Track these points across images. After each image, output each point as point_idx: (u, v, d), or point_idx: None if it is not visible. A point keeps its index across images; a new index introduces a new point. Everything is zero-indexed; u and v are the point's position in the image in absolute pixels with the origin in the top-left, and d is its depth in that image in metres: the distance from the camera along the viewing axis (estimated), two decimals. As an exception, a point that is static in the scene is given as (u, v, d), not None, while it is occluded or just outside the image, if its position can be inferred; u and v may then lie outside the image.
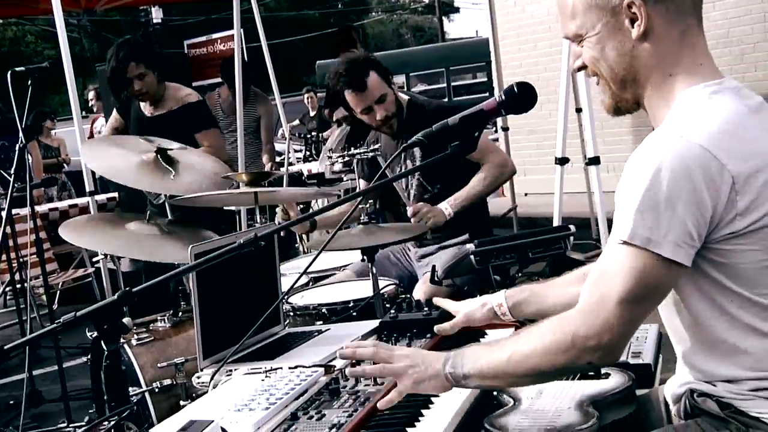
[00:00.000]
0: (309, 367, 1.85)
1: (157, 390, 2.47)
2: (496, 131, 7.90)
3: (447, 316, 2.15)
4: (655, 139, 1.39)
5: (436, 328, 1.92)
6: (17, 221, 4.34)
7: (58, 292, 6.42)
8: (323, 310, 2.68)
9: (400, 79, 16.07)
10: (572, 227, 2.66)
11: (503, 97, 1.74)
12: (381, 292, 2.67)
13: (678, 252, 1.34)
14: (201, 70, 10.00)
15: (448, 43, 24.27)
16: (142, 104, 4.25)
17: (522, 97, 1.73)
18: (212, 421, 1.47)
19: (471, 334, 2.02)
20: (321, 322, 2.61)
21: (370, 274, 2.67)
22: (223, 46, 10.09)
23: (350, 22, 17.71)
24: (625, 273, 1.36)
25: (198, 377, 2.00)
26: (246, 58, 7.10)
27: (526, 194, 9.33)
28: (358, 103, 3.25)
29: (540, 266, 2.94)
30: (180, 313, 2.76)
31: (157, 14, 13.18)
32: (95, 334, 1.48)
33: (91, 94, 10.13)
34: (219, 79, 7.55)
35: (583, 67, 1.56)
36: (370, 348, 1.63)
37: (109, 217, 3.11)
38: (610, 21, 1.47)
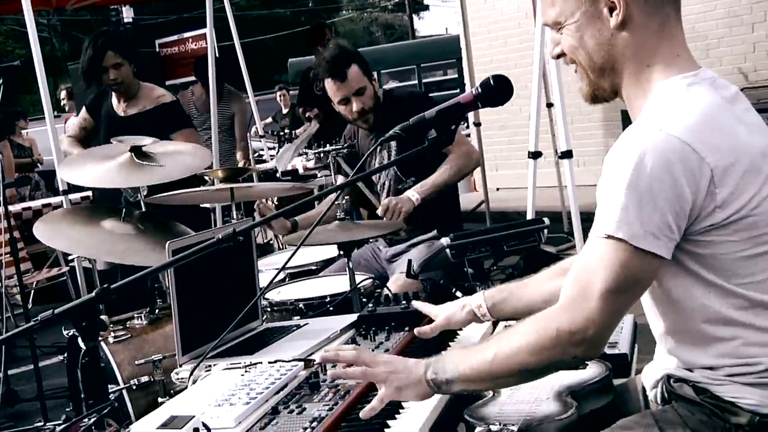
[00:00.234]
0: (288, 361, 1.85)
1: (134, 387, 2.45)
2: (468, 127, 7.93)
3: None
4: (635, 132, 1.40)
5: (416, 331, 1.93)
6: (-10, 221, 4.30)
7: (33, 291, 6.38)
8: (300, 306, 2.67)
9: (371, 76, 16.10)
10: (546, 220, 2.68)
11: (480, 90, 1.76)
12: (358, 286, 2.67)
13: (659, 245, 1.36)
14: (173, 69, 9.95)
15: (419, 41, 24.26)
16: (114, 103, 4.20)
17: (498, 90, 1.75)
18: (193, 416, 1.47)
19: (446, 331, 2.03)
20: (298, 318, 2.60)
21: (347, 269, 2.67)
22: (195, 45, 10.04)
23: (321, 20, 17.68)
24: (606, 266, 1.38)
25: (177, 373, 1.99)
26: (218, 56, 7.08)
27: (497, 189, 9.38)
28: (336, 92, 3.26)
29: (514, 259, 2.97)
30: (157, 310, 2.74)
31: (128, 13, 13.02)
32: (72, 331, 1.47)
33: (63, 94, 10.04)
34: (191, 78, 7.52)
35: (562, 55, 1.57)
36: (351, 352, 1.63)
37: (85, 213, 3.05)
38: (589, 9, 1.48)
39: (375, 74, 3.42)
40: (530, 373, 1.50)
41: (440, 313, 1.99)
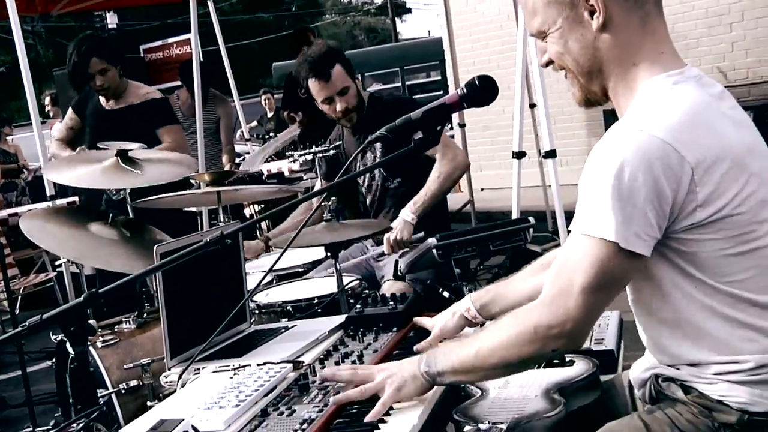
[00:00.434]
0: (277, 363, 1.85)
1: (123, 391, 2.44)
2: (452, 128, 7.97)
3: (413, 310, 2.18)
4: (617, 132, 1.41)
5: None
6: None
7: (20, 297, 6.36)
8: (288, 308, 2.67)
9: (354, 79, 16.16)
10: (531, 219, 2.70)
11: (465, 90, 1.76)
12: (345, 288, 2.68)
13: (639, 243, 1.37)
14: (158, 74, 9.94)
15: (402, 43, 24.27)
16: (102, 100, 4.20)
17: (484, 90, 1.75)
18: (183, 420, 1.47)
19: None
20: (286, 319, 2.60)
21: (335, 270, 2.68)
22: (179, 50, 10.03)
23: (305, 24, 17.74)
24: (587, 264, 1.39)
25: (166, 376, 1.98)
26: (202, 61, 7.09)
27: (482, 189, 9.42)
28: (320, 92, 3.27)
29: (500, 259, 2.98)
30: (145, 314, 2.74)
31: (112, 19, 12.96)
32: (60, 337, 1.47)
33: (47, 100, 10.00)
34: (176, 83, 7.52)
35: (551, 62, 1.58)
36: (348, 371, 1.65)
37: (72, 214, 3.05)
38: (570, 15, 1.49)
39: (359, 77, 3.43)
40: (512, 366, 1.53)
41: (435, 324, 2.01)
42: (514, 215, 4.60)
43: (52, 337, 2.20)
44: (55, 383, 2.35)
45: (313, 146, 3.14)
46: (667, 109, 1.39)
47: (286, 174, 6.09)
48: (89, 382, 1.52)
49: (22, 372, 3.56)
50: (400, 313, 2.12)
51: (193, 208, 4.72)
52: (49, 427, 3.12)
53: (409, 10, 43.94)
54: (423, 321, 2.08)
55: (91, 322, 1.50)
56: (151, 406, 2.16)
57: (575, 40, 1.50)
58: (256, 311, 2.70)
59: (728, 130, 1.42)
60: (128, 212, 3.17)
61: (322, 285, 2.89)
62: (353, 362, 1.85)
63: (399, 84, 17.52)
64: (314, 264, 3.34)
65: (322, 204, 2.83)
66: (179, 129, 4.30)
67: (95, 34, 4.26)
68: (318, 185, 3.72)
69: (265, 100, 11.68)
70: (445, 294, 2.55)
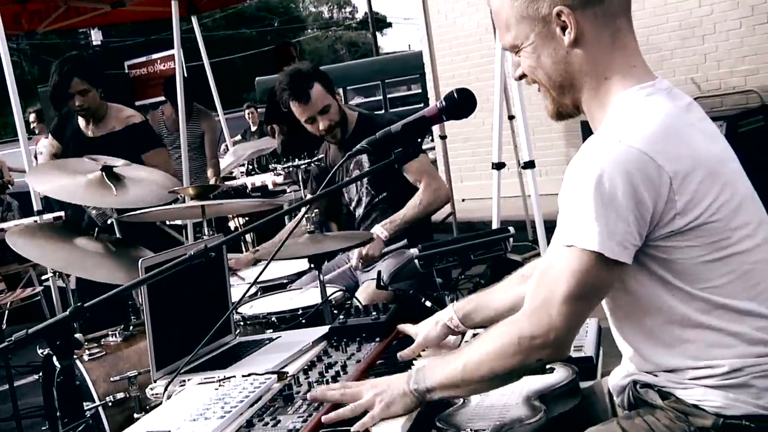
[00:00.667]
0: (262, 374, 1.86)
1: (110, 404, 2.45)
2: (433, 140, 8.01)
3: (395, 319, 2.20)
4: (595, 144, 1.43)
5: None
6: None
7: (7, 311, 6.33)
8: (273, 319, 2.69)
9: (336, 93, 16.22)
10: (511, 229, 2.73)
11: (444, 103, 1.80)
12: (329, 298, 2.70)
13: (620, 252, 1.39)
14: (142, 90, 9.99)
15: (383, 57, 24.38)
16: (82, 123, 4.17)
17: (462, 103, 1.79)
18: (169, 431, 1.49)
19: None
20: (271, 331, 2.62)
21: (318, 282, 2.70)
22: (163, 66, 10.08)
23: (287, 39, 17.82)
24: (568, 274, 1.41)
25: (152, 389, 1.99)
26: (186, 76, 7.12)
27: (463, 200, 9.48)
28: (302, 113, 3.32)
29: (481, 268, 3.01)
30: (131, 327, 2.74)
31: (96, 36, 12.97)
32: (47, 351, 1.48)
33: (32, 117, 9.96)
34: (160, 98, 7.54)
35: (524, 76, 1.60)
36: (338, 391, 1.66)
37: (58, 230, 3.07)
38: (542, 30, 1.51)
39: (341, 90, 3.47)
40: (499, 378, 1.54)
41: (419, 332, 2.02)
42: (495, 225, 4.63)
43: (39, 351, 2.20)
44: (42, 397, 2.35)
45: (296, 159, 3.17)
46: (642, 121, 1.42)
47: (270, 187, 6.12)
48: (75, 395, 1.52)
49: (9, 386, 3.56)
50: (383, 323, 2.14)
51: (179, 222, 4.73)
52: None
53: (389, 25, 44.33)
54: (406, 328, 2.10)
55: (77, 335, 1.51)
56: (138, 419, 2.16)
57: (547, 55, 1.53)
58: (241, 323, 2.72)
59: (699, 141, 1.45)
60: (113, 228, 3.17)
61: (306, 296, 2.91)
62: (337, 372, 1.86)
63: (380, 97, 17.59)
64: (298, 276, 3.36)
65: (306, 216, 2.85)
66: (164, 150, 4.29)
67: (79, 54, 4.20)
68: (303, 197, 3.76)
69: (248, 114, 11.70)
70: (428, 303, 2.58)
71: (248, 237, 4.68)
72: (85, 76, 3.99)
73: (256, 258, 3.42)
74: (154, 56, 10.55)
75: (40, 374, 2.31)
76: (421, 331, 2.03)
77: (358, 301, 2.76)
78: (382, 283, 2.74)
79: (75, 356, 2.41)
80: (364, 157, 3.26)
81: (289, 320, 2.65)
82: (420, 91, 16.10)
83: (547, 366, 1.80)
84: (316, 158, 3.36)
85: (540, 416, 1.59)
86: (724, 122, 5.94)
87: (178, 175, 5.86)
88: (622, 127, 1.42)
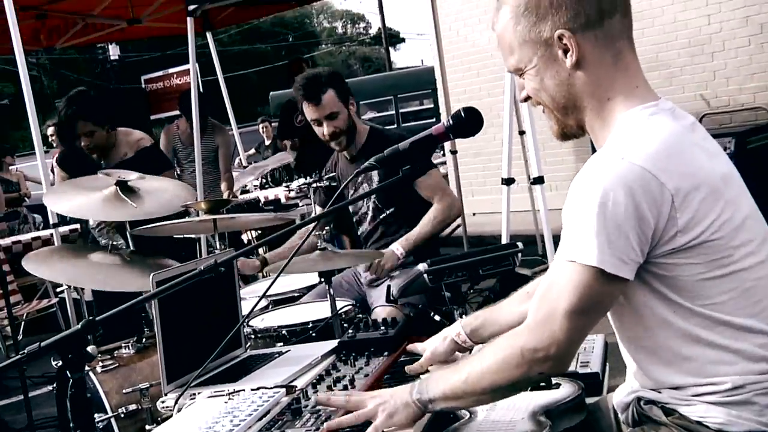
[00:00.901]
0: (271, 388, 1.88)
1: (122, 415, 2.47)
2: (444, 155, 8.04)
3: (404, 335, 2.22)
4: (599, 161, 1.45)
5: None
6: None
7: (23, 323, 6.42)
8: (283, 332, 2.71)
9: (349, 108, 16.23)
10: (520, 244, 2.74)
11: (451, 122, 1.82)
12: (338, 312, 2.72)
13: (622, 268, 1.41)
14: (158, 104, 10.10)
15: (395, 72, 24.43)
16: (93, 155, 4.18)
17: (468, 122, 1.81)
18: (179, 443, 1.51)
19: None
20: (281, 344, 2.64)
21: (328, 296, 2.72)
22: (179, 80, 10.20)
23: (301, 55, 17.93)
24: (571, 289, 1.43)
25: (162, 401, 2.01)
26: (201, 91, 7.20)
27: (474, 214, 9.50)
28: (310, 114, 3.39)
29: (490, 282, 3.03)
30: (144, 339, 2.77)
31: (114, 51, 13.13)
32: (60, 362, 1.51)
33: (50, 130, 10.09)
34: (176, 112, 7.62)
35: (528, 98, 1.63)
36: (342, 397, 1.68)
37: (72, 248, 3.11)
38: (544, 54, 1.54)
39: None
40: (501, 390, 1.55)
41: (426, 348, 2.04)
42: (504, 240, 4.65)
43: (53, 363, 2.22)
44: (56, 408, 2.37)
45: (308, 177, 3.21)
46: (645, 139, 1.44)
47: (283, 201, 6.17)
48: (87, 407, 1.55)
49: (24, 397, 3.60)
50: (391, 338, 2.16)
51: (191, 235, 4.78)
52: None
53: (402, 40, 44.59)
54: (416, 347, 2.11)
55: (90, 348, 1.53)
56: (150, 431, 2.18)
57: (550, 77, 1.55)
58: (252, 336, 2.74)
59: (702, 160, 1.47)
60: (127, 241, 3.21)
61: (316, 310, 2.93)
62: (345, 386, 1.88)
63: (393, 112, 17.67)
64: (309, 289, 3.39)
65: (315, 233, 2.88)
66: (172, 172, 4.35)
67: (85, 93, 4.12)
68: (315, 214, 3.79)
69: (262, 128, 11.81)
70: (437, 318, 2.59)
71: (260, 250, 4.72)
72: (91, 118, 3.97)
73: (262, 263, 3.44)
74: (171, 71, 10.69)
75: (54, 385, 2.33)
76: (429, 346, 2.04)
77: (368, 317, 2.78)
78: (392, 298, 2.76)
79: (88, 368, 2.45)
80: (375, 173, 3.29)
81: (300, 333, 2.67)
82: (432, 106, 16.17)
83: (554, 381, 1.82)
84: (327, 176, 3.41)
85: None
86: (732, 139, 5.93)
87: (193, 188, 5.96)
88: (626, 144, 1.44)
